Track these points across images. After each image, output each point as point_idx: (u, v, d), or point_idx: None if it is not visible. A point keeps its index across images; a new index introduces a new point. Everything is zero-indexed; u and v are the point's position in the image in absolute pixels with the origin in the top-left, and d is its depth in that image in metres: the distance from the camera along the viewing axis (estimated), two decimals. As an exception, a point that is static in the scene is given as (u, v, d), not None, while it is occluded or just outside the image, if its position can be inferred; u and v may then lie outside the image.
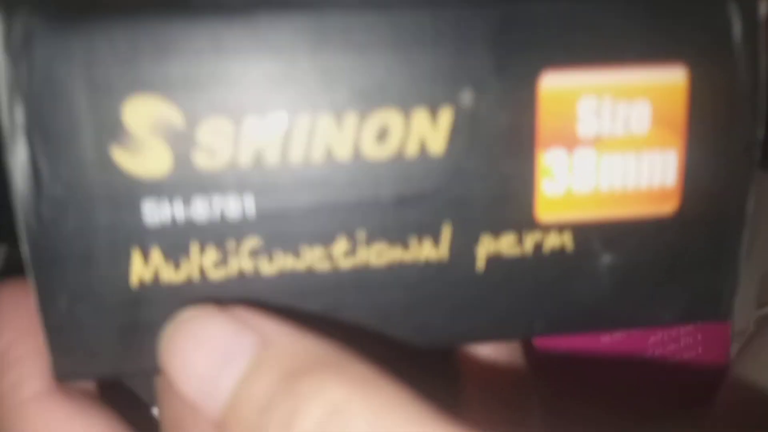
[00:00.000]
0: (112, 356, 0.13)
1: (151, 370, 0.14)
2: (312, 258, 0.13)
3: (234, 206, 0.13)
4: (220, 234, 0.13)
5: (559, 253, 0.14)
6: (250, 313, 0.12)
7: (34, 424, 0.14)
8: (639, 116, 0.13)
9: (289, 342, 0.12)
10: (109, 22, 0.12)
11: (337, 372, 0.11)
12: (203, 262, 0.13)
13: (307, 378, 0.11)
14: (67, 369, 0.13)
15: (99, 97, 0.12)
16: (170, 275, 0.13)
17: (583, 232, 0.14)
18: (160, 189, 0.13)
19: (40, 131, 0.12)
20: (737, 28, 0.13)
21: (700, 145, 0.13)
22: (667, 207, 0.14)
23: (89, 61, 0.12)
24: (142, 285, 0.13)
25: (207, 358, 0.12)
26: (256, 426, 0.11)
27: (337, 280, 0.13)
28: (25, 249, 0.13)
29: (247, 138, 0.13)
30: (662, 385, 0.27)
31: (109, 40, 0.12)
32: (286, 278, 0.13)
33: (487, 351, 0.16)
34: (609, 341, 0.29)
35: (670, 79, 0.13)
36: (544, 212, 0.14)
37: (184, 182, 0.13)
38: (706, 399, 0.27)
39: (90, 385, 0.15)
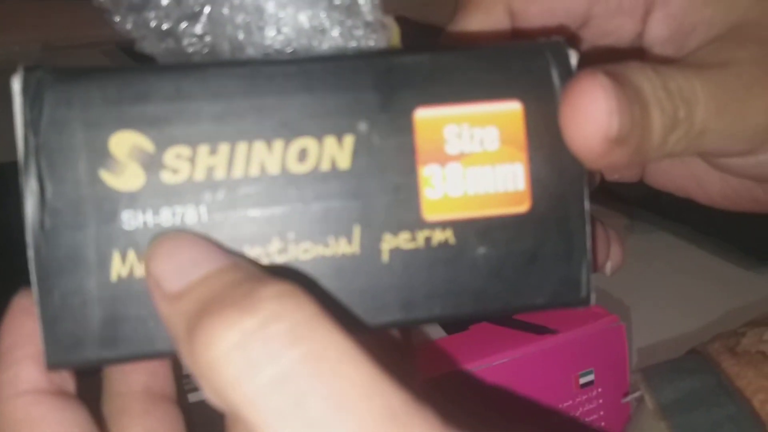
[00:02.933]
0: (96, 345, 0.17)
1: (128, 358, 0.17)
2: (253, 255, 0.17)
3: (191, 214, 0.17)
4: None
5: (444, 245, 0.18)
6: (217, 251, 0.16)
7: (21, 414, 0.17)
8: (490, 138, 0.18)
9: (245, 266, 0.16)
10: (101, 76, 0.17)
11: (281, 280, 0.15)
12: None
13: (258, 279, 0.15)
14: (58, 356, 0.17)
15: (91, 132, 0.16)
16: (143, 272, 0.17)
17: (460, 228, 0.18)
18: (135, 201, 0.17)
19: (46, 158, 0.16)
20: (554, 73, 0.18)
21: (540, 157, 0.18)
22: (522, 207, 0.18)
23: (85, 104, 0.16)
24: (120, 280, 0.17)
25: (190, 255, 0.16)
26: (214, 297, 0.14)
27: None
28: (30, 252, 0.16)
29: (201, 160, 0.17)
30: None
31: (100, 89, 0.16)
32: None
33: None
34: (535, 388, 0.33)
35: (510, 110, 0.18)
36: (428, 213, 0.18)
37: (153, 195, 0.17)
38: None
39: (73, 389, 0.18)
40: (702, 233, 0.49)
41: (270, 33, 0.19)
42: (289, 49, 0.19)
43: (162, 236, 0.16)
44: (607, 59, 0.19)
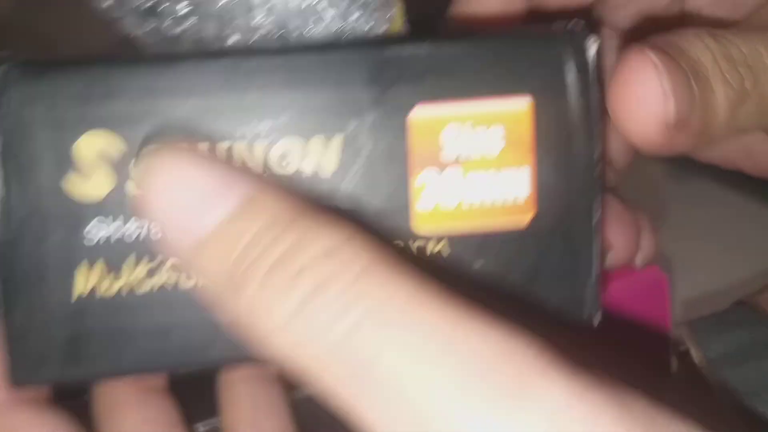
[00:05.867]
0: (60, 364, 0.16)
1: (95, 376, 0.16)
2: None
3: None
4: (150, 249, 0.16)
5: (438, 257, 0.17)
6: (237, 171, 0.13)
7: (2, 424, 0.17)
8: (495, 138, 0.16)
9: (277, 196, 0.13)
10: (69, 70, 0.15)
11: (329, 220, 0.12)
12: (136, 274, 0.16)
13: (301, 220, 0.12)
14: (22, 375, 0.16)
15: (57, 133, 0.15)
16: (108, 286, 0.16)
17: (455, 241, 0.16)
18: (102, 209, 0.16)
19: (12, 159, 0.15)
20: (570, 65, 0.16)
21: (548, 162, 0.16)
22: (524, 218, 0.17)
23: (51, 103, 0.15)
24: (84, 296, 0.16)
25: (193, 193, 0.12)
26: (240, 257, 0.12)
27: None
28: None
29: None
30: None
31: (68, 85, 0.15)
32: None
33: None
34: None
35: (518, 107, 0.16)
36: (419, 226, 0.16)
37: (122, 202, 0.16)
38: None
39: (46, 395, 0.18)
40: (747, 177, 0.46)
41: (258, 14, 0.17)
42: (279, 32, 0.17)
43: (152, 159, 0.13)
44: (653, 30, 0.16)
